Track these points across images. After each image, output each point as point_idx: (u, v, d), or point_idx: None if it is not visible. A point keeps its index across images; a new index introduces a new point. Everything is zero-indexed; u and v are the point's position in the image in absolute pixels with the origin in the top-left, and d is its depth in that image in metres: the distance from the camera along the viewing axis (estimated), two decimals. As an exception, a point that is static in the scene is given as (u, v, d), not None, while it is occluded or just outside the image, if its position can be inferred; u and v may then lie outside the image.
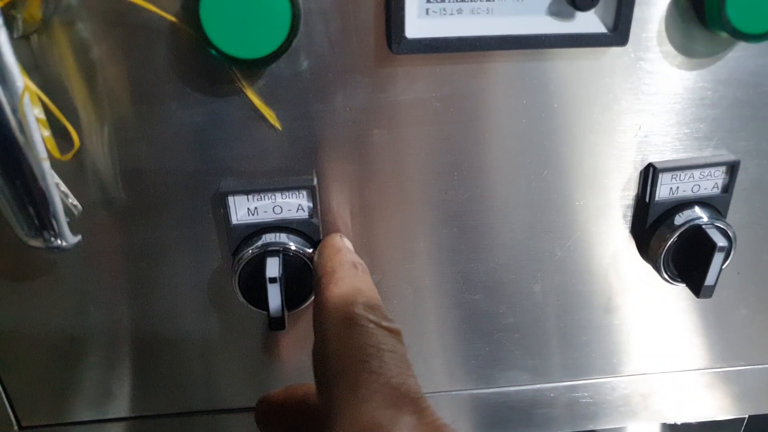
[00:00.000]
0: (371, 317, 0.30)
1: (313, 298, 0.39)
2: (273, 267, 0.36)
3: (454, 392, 0.47)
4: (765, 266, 0.45)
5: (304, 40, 0.34)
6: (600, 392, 0.48)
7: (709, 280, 0.38)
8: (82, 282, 0.39)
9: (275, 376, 0.45)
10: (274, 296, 0.36)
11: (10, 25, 0.31)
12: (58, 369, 0.42)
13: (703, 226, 0.38)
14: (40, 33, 0.32)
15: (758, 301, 0.46)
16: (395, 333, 0.30)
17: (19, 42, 0.32)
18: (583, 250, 0.42)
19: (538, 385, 0.47)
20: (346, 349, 0.28)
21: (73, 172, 0.35)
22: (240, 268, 0.37)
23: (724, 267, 0.39)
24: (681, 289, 0.43)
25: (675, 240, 0.38)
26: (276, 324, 0.37)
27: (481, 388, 0.47)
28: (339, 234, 0.39)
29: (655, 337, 0.47)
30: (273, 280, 0.36)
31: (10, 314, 0.39)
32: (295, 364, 0.44)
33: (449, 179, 0.39)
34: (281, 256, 0.37)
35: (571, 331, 0.46)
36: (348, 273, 0.34)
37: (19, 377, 0.42)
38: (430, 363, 0.46)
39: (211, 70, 0.34)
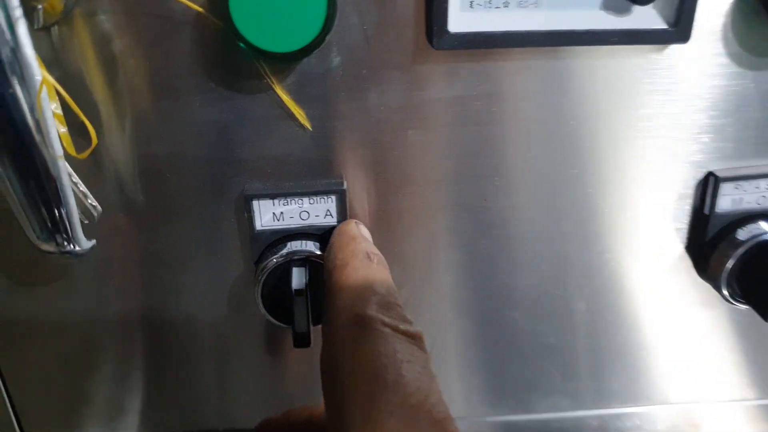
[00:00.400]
0: (386, 319, 0.25)
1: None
2: (299, 278, 0.33)
3: (488, 418, 0.44)
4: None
5: (337, 34, 0.31)
6: (648, 421, 0.45)
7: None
8: (95, 288, 0.37)
9: (296, 395, 0.42)
10: (300, 310, 0.33)
11: (30, 16, 0.30)
12: (67, 379, 0.40)
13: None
14: (61, 25, 0.30)
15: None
16: (415, 338, 0.26)
17: (39, 34, 0.30)
18: (633, 266, 0.39)
19: (581, 412, 0.44)
20: (357, 358, 0.25)
21: (90, 172, 0.33)
22: (263, 278, 0.35)
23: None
24: (741, 312, 0.39)
25: (739, 257, 0.35)
26: (301, 340, 0.34)
27: (518, 414, 0.44)
28: (354, 220, 0.35)
29: (708, 363, 0.43)
30: (299, 292, 0.33)
31: (19, 320, 0.37)
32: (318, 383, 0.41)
33: (489, 185, 0.36)
34: (308, 265, 0.34)
35: (617, 353, 0.42)
36: (361, 265, 0.29)
37: (25, 386, 0.40)
38: (463, 385, 0.43)
39: (239, 64, 0.32)
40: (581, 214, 0.37)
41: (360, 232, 0.33)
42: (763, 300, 0.35)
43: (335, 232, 0.34)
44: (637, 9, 0.32)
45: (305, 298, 0.33)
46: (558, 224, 0.38)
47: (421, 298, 0.39)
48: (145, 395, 0.41)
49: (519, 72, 0.33)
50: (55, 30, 0.31)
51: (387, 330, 0.25)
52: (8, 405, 0.40)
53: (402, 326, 0.26)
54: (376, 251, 0.32)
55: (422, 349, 0.25)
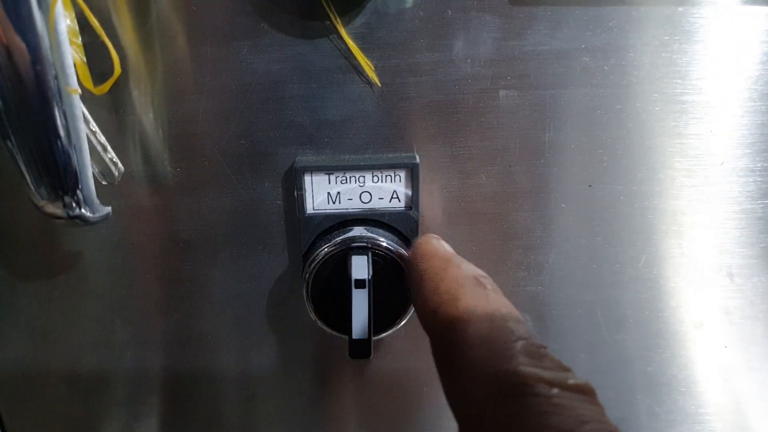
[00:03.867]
0: (545, 375, 0.18)
1: (404, 320, 0.29)
2: (360, 267, 0.26)
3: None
4: None
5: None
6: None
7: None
8: (109, 282, 0.30)
9: (350, 420, 0.34)
10: (360, 307, 0.26)
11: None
12: (68, 408, 0.33)
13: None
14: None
15: None
16: (587, 392, 0.18)
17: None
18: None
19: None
20: None
21: (107, 132, 0.27)
22: (314, 271, 0.28)
23: None
24: None
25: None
26: (359, 349, 0.26)
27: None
28: (434, 236, 0.27)
29: None
30: (360, 283, 0.26)
31: (20, 318, 0.31)
32: (376, 415, 0.33)
33: (596, 166, 0.29)
34: (370, 254, 0.27)
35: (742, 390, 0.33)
36: (476, 297, 0.21)
37: (21, 416, 0.33)
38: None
39: (297, 2, 0.26)
40: (711, 204, 0.30)
41: (448, 249, 0.25)
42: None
43: (415, 255, 0.25)
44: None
45: (367, 293, 0.26)
46: (678, 218, 0.30)
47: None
48: (164, 412, 0.33)
49: (638, 21, 0.27)
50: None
51: (556, 392, 0.17)
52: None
53: (571, 379, 0.18)
54: (482, 272, 0.23)
55: (599, 404, 0.18)
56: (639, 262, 0.31)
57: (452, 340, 0.20)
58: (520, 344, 0.19)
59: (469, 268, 0.23)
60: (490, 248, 0.30)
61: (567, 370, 0.18)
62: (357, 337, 0.26)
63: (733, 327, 0.32)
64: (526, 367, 0.18)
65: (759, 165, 0.29)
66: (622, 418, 0.34)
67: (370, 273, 0.26)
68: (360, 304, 0.26)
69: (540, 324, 0.32)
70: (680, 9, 0.27)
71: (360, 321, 0.26)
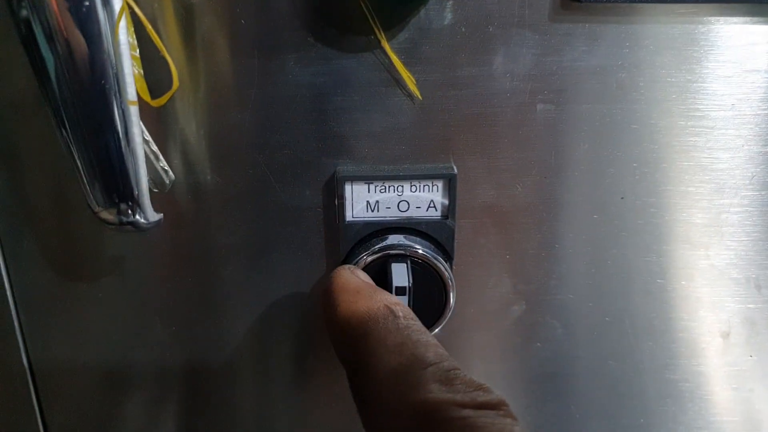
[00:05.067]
0: (456, 398, 0.18)
1: (440, 326, 0.30)
2: (401, 275, 0.27)
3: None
4: None
5: (459, -15, 0.26)
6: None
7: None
8: (148, 289, 0.31)
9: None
10: None
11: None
12: (107, 404, 0.34)
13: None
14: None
15: None
16: (501, 406, 0.18)
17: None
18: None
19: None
20: None
21: (156, 143, 0.28)
22: None
23: None
24: None
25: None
26: None
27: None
28: (349, 266, 0.27)
29: None
30: (401, 290, 0.26)
31: (59, 333, 0.32)
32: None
33: (628, 179, 0.30)
34: (409, 262, 0.28)
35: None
36: (387, 328, 0.21)
37: (60, 410, 0.34)
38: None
39: (342, 16, 0.27)
40: (737, 223, 0.31)
41: (361, 279, 0.26)
42: None
43: (328, 288, 0.25)
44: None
45: (408, 299, 0.27)
46: (708, 232, 0.31)
47: (532, 320, 0.32)
48: (200, 411, 0.34)
49: (677, 39, 0.28)
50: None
51: (467, 412, 0.17)
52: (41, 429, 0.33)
53: (481, 397, 0.18)
54: (396, 300, 0.24)
55: (513, 416, 0.18)
56: (667, 272, 0.32)
57: (364, 374, 0.20)
58: (429, 371, 0.19)
59: (380, 298, 0.23)
60: (524, 257, 0.31)
61: (479, 388, 0.19)
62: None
63: (759, 337, 0.33)
64: (436, 394, 0.18)
65: (789, 179, 0.30)
66: (647, 424, 0.35)
67: (411, 281, 0.27)
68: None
69: (569, 331, 0.33)
70: (708, 27, 0.27)
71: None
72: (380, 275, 0.28)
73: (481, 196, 0.30)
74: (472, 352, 0.33)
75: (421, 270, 0.29)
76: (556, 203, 0.30)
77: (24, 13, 0.21)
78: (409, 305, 0.27)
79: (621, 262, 0.31)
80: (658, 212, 0.31)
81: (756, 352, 0.33)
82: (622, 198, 0.30)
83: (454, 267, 0.30)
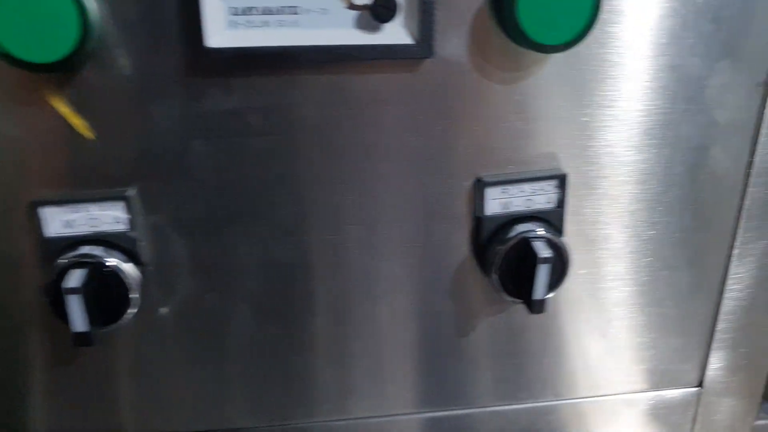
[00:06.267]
0: None
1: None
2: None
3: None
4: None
5: (118, 46, 0.34)
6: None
7: (538, 293, 0.37)
8: None
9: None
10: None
11: None
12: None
13: (529, 239, 0.37)
14: None
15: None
16: None
17: None
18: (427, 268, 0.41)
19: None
20: None
21: None
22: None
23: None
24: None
25: (503, 255, 0.38)
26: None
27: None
28: None
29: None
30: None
31: None
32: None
33: (278, 192, 0.38)
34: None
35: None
36: None
37: None
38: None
39: (25, 76, 0.34)
40: (367, 219, 0.40)
41: None
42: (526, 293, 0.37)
43: None
44: (388, 26, 0.35)
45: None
46: (345, 229, 0.40)
47: (224, 304, 0.41)
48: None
49: (291, 86, 0.36)
50: None
51: None
52: None
53: None
54: None
55: None
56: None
57: None
58: None
59: None
60: (205, 257, 0.39)
61: None
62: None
63: None
64: None
65: None
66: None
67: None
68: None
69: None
70: (334, 77, 0.36)
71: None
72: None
73: (161, 211, 0.38)
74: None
75: (107, 276, 0.36)
76: (223, 215, 0.38)
77: None
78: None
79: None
80: (309, 226, 0.39)
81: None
82: (273, 205, 0.39)
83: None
